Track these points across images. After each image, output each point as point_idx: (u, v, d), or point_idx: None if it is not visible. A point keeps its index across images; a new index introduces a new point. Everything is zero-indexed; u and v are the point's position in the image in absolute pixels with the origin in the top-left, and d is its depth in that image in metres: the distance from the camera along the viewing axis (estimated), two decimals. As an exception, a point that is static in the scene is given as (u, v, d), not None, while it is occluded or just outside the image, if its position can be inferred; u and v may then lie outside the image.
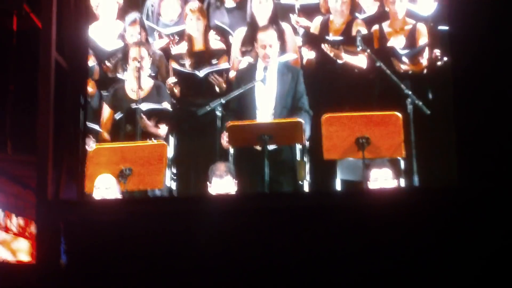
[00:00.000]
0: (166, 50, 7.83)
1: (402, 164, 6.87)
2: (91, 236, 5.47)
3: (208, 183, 6.69)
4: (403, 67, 7.25)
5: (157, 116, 7.43)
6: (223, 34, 7.80)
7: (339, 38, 7.46)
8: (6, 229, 10.90)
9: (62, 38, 6.39)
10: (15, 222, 11.09)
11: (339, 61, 7.41)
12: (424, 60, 7.28)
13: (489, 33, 5.70)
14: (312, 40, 7.56)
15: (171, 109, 7.53)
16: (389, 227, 5.26)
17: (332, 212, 5.43)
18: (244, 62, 7.56)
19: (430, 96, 7.22)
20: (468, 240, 5.20)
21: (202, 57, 7.71)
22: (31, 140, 6.20)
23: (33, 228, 10.85)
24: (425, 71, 7.27)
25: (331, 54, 7.39)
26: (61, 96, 6.26)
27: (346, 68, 7.39)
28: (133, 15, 7.80)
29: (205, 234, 5.37)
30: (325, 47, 7.39)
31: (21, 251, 11.08)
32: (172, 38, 7.81)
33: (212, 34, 7.79)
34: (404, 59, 7.25)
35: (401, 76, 7.11)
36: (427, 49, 7.31)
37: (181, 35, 7.85)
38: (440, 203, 5.35)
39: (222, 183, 6.64)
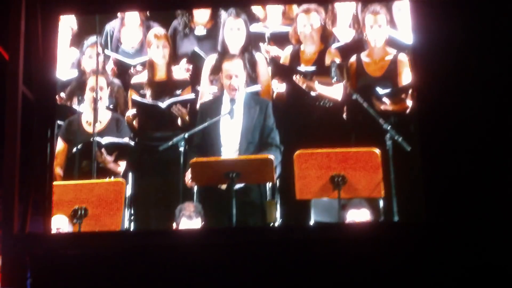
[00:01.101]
0: (124, 79, 7.56)
1: (381, 204, 6.59)
2: (58, 270, 5.52)
3: (174, 223, 6.43)
4: (383, 107, 6.97)
5: (118, 151, 7.12)
6: (198, 62, 7.48)
7: (312, 68, 7.19)
8: (-30, 264, 10.82)
9: (29, 70, 6.41)
10: (-20, 256, 10.97)
11: (313, 93, 7.12)
12: (407, 100, 6.98)
13: (456, 66, 5.87)
14: (283, 72, 7.29)
15: (133, 143, 7.26)
16: (356, 263, 5.36)
17: (301, 247, 5.50)
18: (207, 93, 7.29)
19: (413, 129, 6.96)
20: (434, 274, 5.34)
21: (164, 88, 7.42)
22: (-4, 173, 6.20)
23: (-2, 262, 10.85)
24: (408, 111, 6.98)
25: (303, 86, 7.10)
26: (27, 129, 6.28)
27: (320, 101, 7.13)
28: (94, 38, 7.48)
29: (172, 268, 5.44)
30: (296, 78, 7.10)
31: (-14, 285, 10.80)
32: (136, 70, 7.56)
33: (183, 63, 7.50)
34: (385, 99, 6.96)
35: (382, 113, 6.86)
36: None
37: (143, 65, 7.59)
38: (407, 238, 5.47)
39: (191, 225, 6.36)
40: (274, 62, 7.37)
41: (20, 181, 6.01)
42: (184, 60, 7.51)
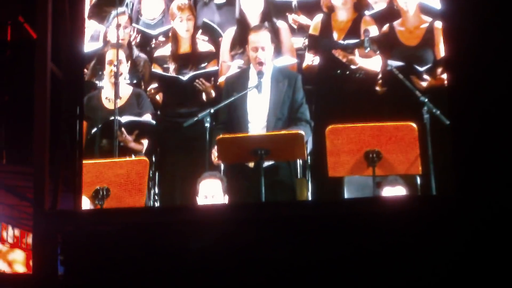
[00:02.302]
0: (146, 52, 7.40)
1: (419, 181, 6.42)
2: (88, 247, 5.58)
3: (196, 197, 6.29)
4: (424, 84, 6.70)
5: (139, 129, 6.97)
6: (212, 34, 7.28)
7: (353, 41, 6.87)
8: (2, 240, 11.13)
9: (57, 48, 6.44)
10: (11, 233, 11.27)
11: (353, 66, 6.86)
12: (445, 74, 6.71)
13: (487, 36, 5.55)
14: (320, 45, 7.03)
15: (154, 122, 7.08)
16: (385, 237, 5.18)
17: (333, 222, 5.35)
18: (234, 67, 7.02)
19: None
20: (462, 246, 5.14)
21: (189, 61, 7.20)
22: (27, 150, 6.47)
23: (29, 239, 11.31)
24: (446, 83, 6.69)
25: (344, 60, 6.84)
26: (56, 106, 6.31)
27: (354, 73, 6.89)
28: (120, 9, 7.33)
29: (202, 244, 5.38)
30: (336, 52, 6.84)
31: (17, 262, 11.28)
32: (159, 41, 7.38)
33: (198, 34, 7.28)
34: (425, 76, 6.70)
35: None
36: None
37: (166, 35, 7.38)
38: (437, 212, 5.27)
39: (211, 183, 6.23)
40: (310, 35, 7.09)
41: (50, 159, 6.05)
42: (200, 31, 7.30)
